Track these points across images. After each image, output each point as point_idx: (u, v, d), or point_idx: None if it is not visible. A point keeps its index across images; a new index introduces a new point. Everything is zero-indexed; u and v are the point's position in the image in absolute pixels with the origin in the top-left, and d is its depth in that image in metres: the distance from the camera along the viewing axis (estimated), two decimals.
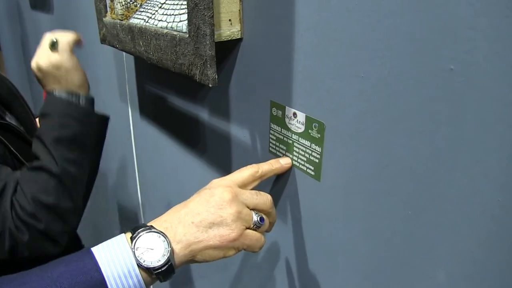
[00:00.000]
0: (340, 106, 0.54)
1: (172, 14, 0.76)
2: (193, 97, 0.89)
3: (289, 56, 0.60)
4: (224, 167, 0.83)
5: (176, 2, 0.75)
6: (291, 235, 0.69)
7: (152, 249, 0.54)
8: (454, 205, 0.43)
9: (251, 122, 0.72)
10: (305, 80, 0.59)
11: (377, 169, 0.51)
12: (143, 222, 1.45)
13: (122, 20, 0.96)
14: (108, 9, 1.04)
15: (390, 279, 0.53)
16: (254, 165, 0.63)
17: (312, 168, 0.61)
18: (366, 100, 0.49)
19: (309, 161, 0.62)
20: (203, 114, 0.86)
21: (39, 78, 0.93)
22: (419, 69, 0.43)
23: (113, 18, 1.01)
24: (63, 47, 0.92)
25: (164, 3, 0.80)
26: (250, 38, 0.68)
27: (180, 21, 0.73)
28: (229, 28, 0.67)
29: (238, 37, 0.69)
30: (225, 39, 0.67)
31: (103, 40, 1.09)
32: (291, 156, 0.65)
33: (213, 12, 0.61)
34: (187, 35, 0.67)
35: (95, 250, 0.54)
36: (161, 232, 0.55)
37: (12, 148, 0.97)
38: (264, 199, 0.60)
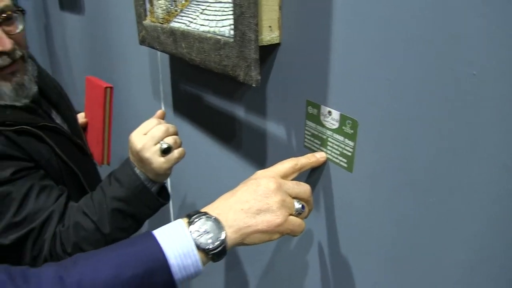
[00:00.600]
0: (372, 105, 0.60)
1: (214, 20, 0.83)
2: (229, 96, 0.96)
3: (324, 59, 0.67)
4: (260, 161, 0.90)
5: (217, 9, 0.82)
6: (324, 221, 0.76)
7: (208, 233, 0.61)
8: (470, 194, 0.49)
9: (287, 119, 0.79)
10: (340, 81, 0.65)
11: (404, 161, 0.57)
12: (172, 214, 1.53)
13: (162, 23, 1.04)
14: (148, 13, 1.12)
15: (416, 262, 0.60)
16: (293, 158, 0.71)
17: (345, 161, 0.68)
18: (395, 99, 0.56)
19: (342, 154, 0.68)
20: (239, 112, 0.93)
21: (129, 146, 0.92)
22: (442, 73, 0.49)
23: (153, 22, 1.09)
24: (171, 160, 0.89)
25: (205, 9, 0.87)
26: (288, 42, 0.75)
27: (223, 26, 0.80)
28: (269, 34, 0.74)
29: (277, 42, 0.76)
30: (265, 44, 0.74)
31: (142, 42, 1.16)
32: (325, 150, 0.72)
33: (257, 19, 0.68)
34: (232, 40, 0.74)
35: (157, 233, 0.62)
36: (215, 217, 0.63)
37: (57, 151, 1.05)
38: (304, 188, 0.68)
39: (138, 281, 0.58)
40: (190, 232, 0.61)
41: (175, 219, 1.36)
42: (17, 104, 1.01)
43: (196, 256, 0.60)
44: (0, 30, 0.92)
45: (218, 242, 0.61)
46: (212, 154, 1.11)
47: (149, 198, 0.92)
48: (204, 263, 0.62)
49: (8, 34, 0.93)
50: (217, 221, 0.62)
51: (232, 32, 0.76)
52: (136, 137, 0.89)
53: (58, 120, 1.19)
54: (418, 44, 0.52)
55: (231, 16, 0.77)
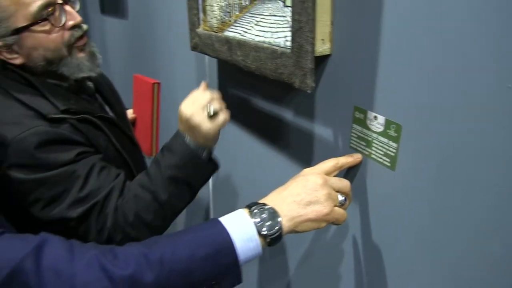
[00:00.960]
0: (415, 111, 0.69)
1: (269, 31, 0.93)
2: (278, 100, 1.06)
3: (371, 69, 0.76)
4: (306, 161, 0.99)
5: (272, 22, 0.92)
6: (366, 214, 0.85)
7: (266, 220, 0.71)
8: (506, 191, 0.58)
9: (334, 122, 0.89)
10: (385, 88, 0.74)
11: (443, 160, 0.66)
12: (212, 210, 1.63)
13: (216, 32, 1.14)
14: (201, 21, 1.22)
15: (454, 256, 0.68)
16: (334, 158, 0.81)
17: (388, 160, 0.77)
18: (436, 106, 0.65)
19: (385, 154, 0.77)
20: (288, 115, 1.03)
21: (179, 116, 1.01)
22: (480, 85, 0.58)
23: (206, 30, 1.19)
24: (219, 123, 0.98)
25: (260, 21, 0.97)
26: (338, 53, 0.84)
27: (278, 37, 0.90)
28: (321, 46, 0.83)
29: (328, 53, 0.85)
30: (318, 55, 0.83)
31: (194, 48, 1.27)
32: (370, 150, 0.81)
33: (314, 34, 0.78)
34: (289, 50, 0.83)
35: (223, 220, 0.72)
36: (272, 207, 0.72)
37: (113, 140, 1.16)
38: (345, 183, 0.78)
39: (209, 260, 0.68)
40: (252, 219, 0.71)
41: (215, 216, 1.46)
42: (92, 74, 1.15)
43: (257, 240, 0.70)
44: (68, 7, 1.07)
45: (275, 229, 0.71)
46: (258, 154, 1.20)
47: (200, 163, 1.01)
48: (262, 247, 0.72)
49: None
50: (274, 211, 0.72)
51: (287, 43, 0.85)
52: (185, 107, 0.99)
53: (111, 114, 1.30)
54: (458, 59, 0.60)
55: (286, 29, 0.86)
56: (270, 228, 0.71)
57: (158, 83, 1.42)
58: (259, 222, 0.71)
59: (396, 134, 0.74)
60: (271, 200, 0.75)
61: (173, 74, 1.76)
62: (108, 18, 2.70)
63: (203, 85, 1.04)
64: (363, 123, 0.81)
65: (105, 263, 0.66)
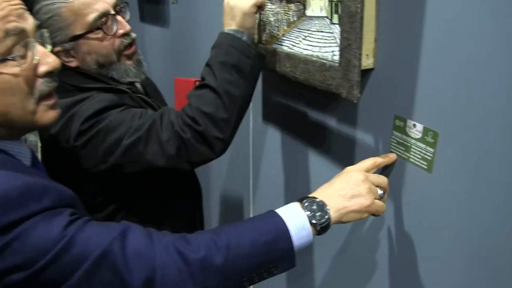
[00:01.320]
0: (451, 120, 0.79)
1: (317, 46, 1.04)
2: (322, 108, 1.16)
3: (410, 81, 0.86)
4: (348, 163, 1.09)
5: (319, 37, 1.02)
6: (402, 211, 0.94)
7: (317, 212, 0.81)
8: None
9: (375, 129, 0.99)
10: (423, 99, 0.85)
11: (478, 163, 0.76)
12: (251, 211, 1.74)
13: (265, 44, 1.25)
14: None
15: (487, 257, 0.77)
16: (372, 157, 0.93)
17: (425, 164, 0.87)
18: (470, 114, 0.75)
19: (423, 158, 0.87)
20: (331, 122, 1.13)
21: (224, 15, 1.12)
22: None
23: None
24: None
25: (308, 36, 1.07)
26: (380, 67, 0.94)
27: (326, 52, 1.00)
28: (366, 60, 0.94)
29: (371, 67, 0.95)
30: (362, 68, 0.93)
31: None
32: (408, 154, 0.91)
33: (361, 50, 0.88)
34: (337, 64, 0.94)
35: (279, 211, 0.83)
36: (321, 200, 0.83)
37: None
38: (383, 179, 0.89)
39: (268, 245, 0.79)
40: (304, 211, 0.82)
41: (254, 214, 1.56)
42: (138, 80, 1.27)
43: (309, 229, 0.81)
44: (119, 17, 1.19)
45: (325, 218, 0.82)
46: (300, 157, 1.31)
47: (243, 45, 1.08)
48: (313, 235, 0.82)
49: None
50: (323, 203, 0.83)
51: (335, 57, 0.96)
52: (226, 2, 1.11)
53: None
54: (491, 72, 0.70)
55: (333, 44, 0.97)
56: (319, 218, 0.81)
57: (199, 81, 1.56)
58: (310, 213, 0.81)
59: (433, 140, 0.84)
60: (319, 194, 0.85)
61: None
62: (147, 25, 2.84)
63: None
64: (402, 130, 0.91)
65: (179, 247, 0.77)
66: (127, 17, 1.24)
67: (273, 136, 1.44)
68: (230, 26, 1.10)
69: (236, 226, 0.82)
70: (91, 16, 1.13)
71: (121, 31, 1.18)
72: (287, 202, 0.85)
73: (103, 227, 0.78)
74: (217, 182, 2.08)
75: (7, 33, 0.77)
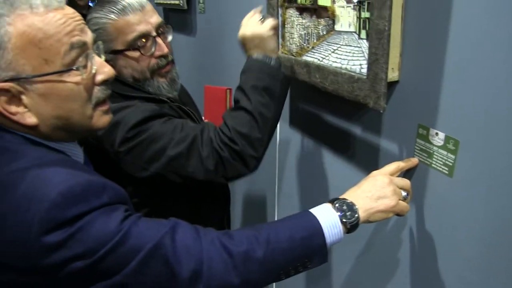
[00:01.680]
0: (471, 129, 0.87)
1: (346, 59, 1.12)
2: (347, 116, 1.25)
3: (434, 93, 0.94)
4: (372, 168, 1.17)
5: (348, 51, 1.11)
6: (423, 213, 1.02)
7: (347, 211, 0.89)
8: None
9: (400, 137, 1.07)
10: (445, 109, 0.92)
11: (496, 169, 0.83)
12: (276, 214, 1.82)
13: (295, 56, 1.33)
14: (280, 46, 1.42)
15: (506, 260, 0.85)
16: (395, 162, 1.01)
17: (447, 169, 0.94)
18: (491, 125, 0.82)
19: (444, 164, 0.95)
20: (356, 129, 1.21)
21: (243, 44, 1.23)
22: None
23: (285, 53, 1.39)
24: (268, 24, 1.20)
25: (337, 49, 1.16)
26: (405, 80, 1.02)
27: (354, 65, 1.08)
28: (391, 74, 1.02)
29: (396, 80, 1.03)
30: (388, 81, 1.01)
31: None
32: (431, 160, 0.98)
33: (388, 64, 0.96)
34: (365, 77, 1.02)
35: (312, 211, 0.91)
36: (351, 201, 0.91)
37: None
38: (407, 182, 0.97)
39: (304, 241, 0.87)
40: (335, 211, 0.90)
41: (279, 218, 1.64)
42: (170, 95, 1.33)
43: (340, 227, 0.89)
44: (159, 39, 1.25)
45: (355, 217, 0.89)
46: (325, 162, 1.39)
47: (272, 70, 1.18)
48: (344, 233, 0.90)
49: (164, 42, 1.27)
50: (352, 204, 0.91)
51: (363, 70, 1.04)
52: (242, 31, 1.21)
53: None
54: (510, 85, 0.78)
55: (361, 58, 1.05)
56: (350, 217, 0.89)
57: (230, 89, 1.65)
58: (341, 213, 0.89)
59: (454, 148, 0.92)
60: (349, 196, 0.93)
61: None
62: (174, 34, 2.93)
63: (257, 9, 1.25)
64: (425, 138, 0.98)
65: (224, 241, 0.85)
66: (169, 38, 1.31)
67: (299, 142, 1.53)
68: (256, 52, 1.20)
69: (274, 223, 0.91)
70: (131, 36, 1.20)
71: (158, 53, 1.24)
72: (311, 206, 0.93)
73: (155, 222, 0.86)
74: (244, 186, 2.17)
75: (72, 46, 0.85)
